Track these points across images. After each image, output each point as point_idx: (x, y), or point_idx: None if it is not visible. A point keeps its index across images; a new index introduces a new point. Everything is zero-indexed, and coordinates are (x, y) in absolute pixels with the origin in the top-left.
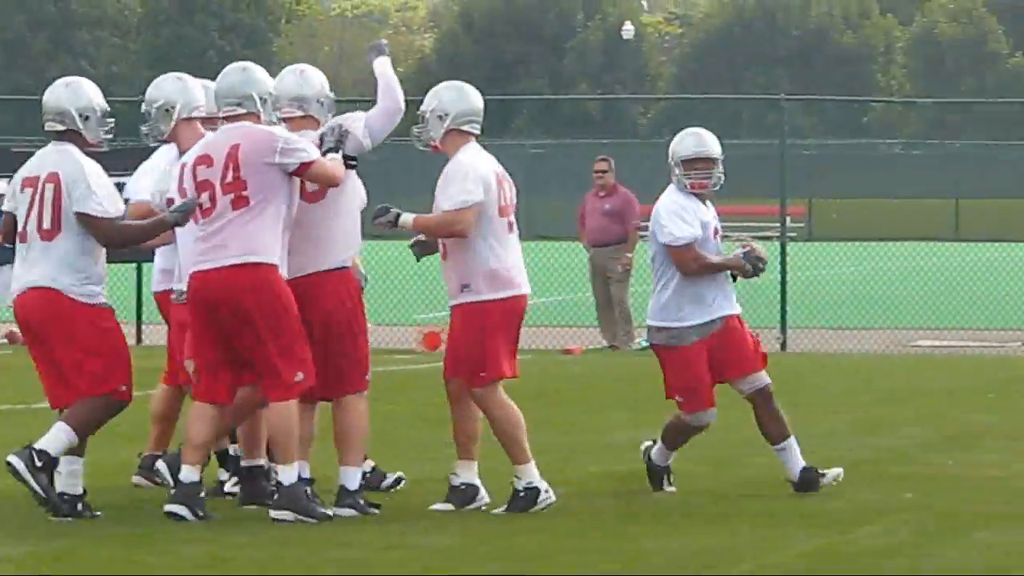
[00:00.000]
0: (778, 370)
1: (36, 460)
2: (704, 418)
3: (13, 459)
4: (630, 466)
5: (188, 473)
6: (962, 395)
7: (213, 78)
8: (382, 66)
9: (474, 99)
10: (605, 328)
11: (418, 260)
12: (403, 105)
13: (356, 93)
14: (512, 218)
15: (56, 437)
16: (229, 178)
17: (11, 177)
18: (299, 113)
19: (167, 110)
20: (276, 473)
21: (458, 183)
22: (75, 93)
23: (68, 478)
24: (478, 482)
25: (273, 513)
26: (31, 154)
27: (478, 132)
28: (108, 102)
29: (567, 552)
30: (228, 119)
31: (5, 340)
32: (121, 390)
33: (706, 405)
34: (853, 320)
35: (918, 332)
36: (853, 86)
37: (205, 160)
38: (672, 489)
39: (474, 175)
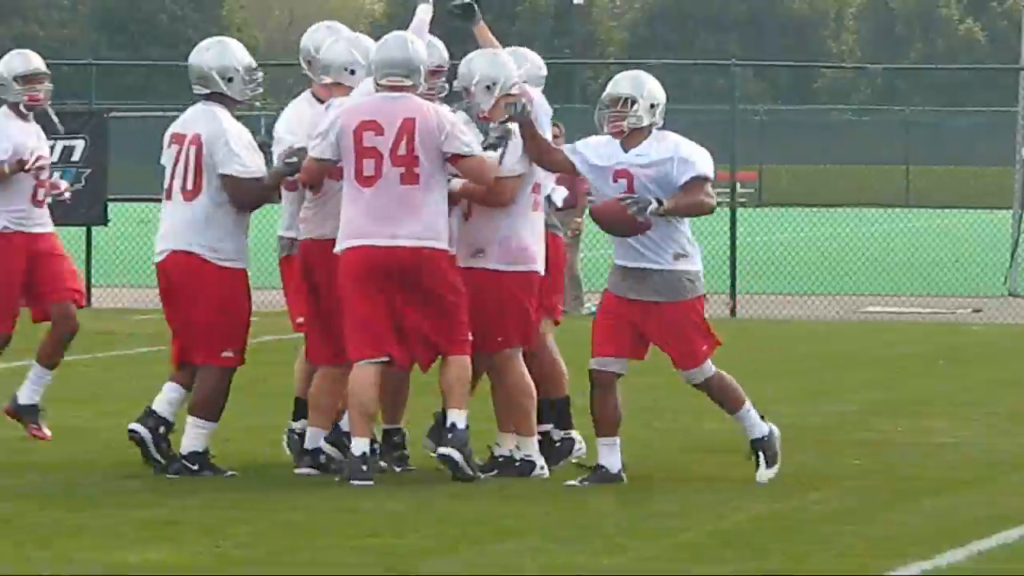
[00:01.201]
0: (728, 336)
1: (160, 429)
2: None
3: (138, 427)
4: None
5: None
6: (911, 362)
7: (163, 43)
8: (425, 12)
9: (511, 63)
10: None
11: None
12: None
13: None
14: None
15: (169, 399)
16: (402, 150)
17: None
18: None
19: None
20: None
21: (512, 153)
22: (217, 55)
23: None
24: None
25: (441, 451)
26: None
27: None
28: (55, 65)
29: (516, 517)
30: (390, 88)
31: None
32: (227, 356)
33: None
34: (803, 286)
35: (868, 298)
36: (804, 52)
37: (372, 126)
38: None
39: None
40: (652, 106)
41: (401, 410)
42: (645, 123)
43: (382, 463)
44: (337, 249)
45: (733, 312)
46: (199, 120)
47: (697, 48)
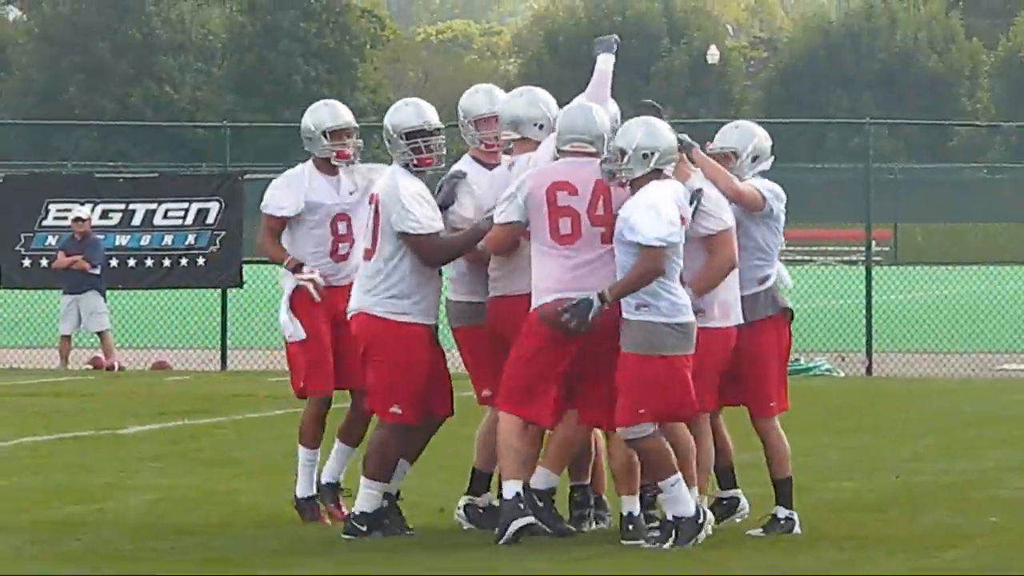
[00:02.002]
0: (863, 394)
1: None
2: None
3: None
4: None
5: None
6: None
7: (298, 104)
8: (606, 63)
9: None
10: None
11: None
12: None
13: (442, 117)
14: None
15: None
16: (600, 211)
17: (95, 202)
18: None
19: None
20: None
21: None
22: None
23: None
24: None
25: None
26: (116, 180)
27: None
28: (192, 127)
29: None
30: (574, 153)
31: (90, 366)
32: (395, 412)
33: None
34: (938, 344)
35: (1004, 356)
36: (938, 110)
37: (566, 187)
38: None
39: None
40: (644, 156)
41: (586, 466)
42: (637, 174)
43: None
44: (535, 304)
45: (869, 370)
46: (380, 181)
47: (832, 106)
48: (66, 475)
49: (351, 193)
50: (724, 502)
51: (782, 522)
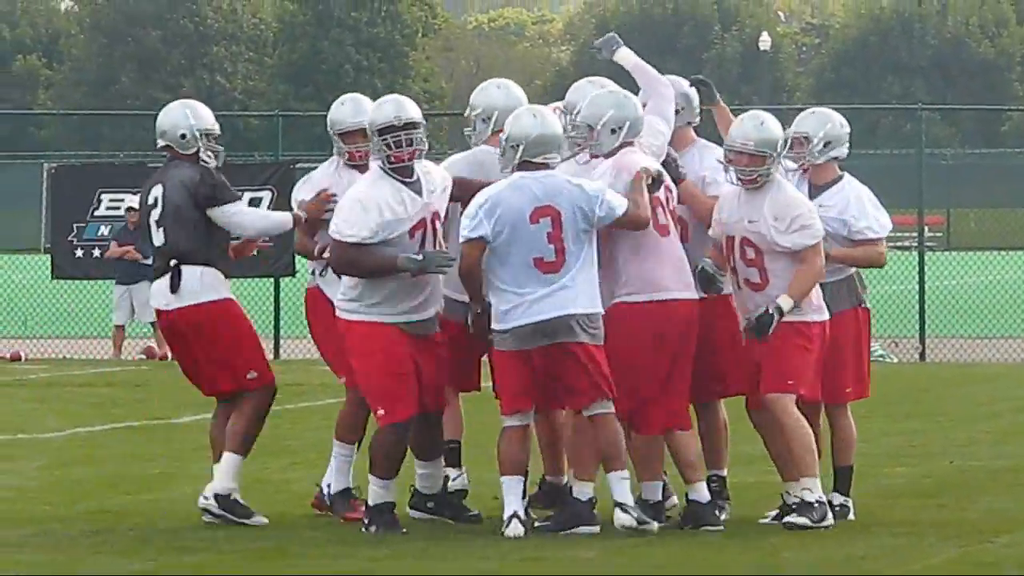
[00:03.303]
0: (917, 380)
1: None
2: None
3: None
4: (762, 477)
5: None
6: None
7: (347, 92)
8: (627, 58)
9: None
10: None
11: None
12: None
13: None
14: None
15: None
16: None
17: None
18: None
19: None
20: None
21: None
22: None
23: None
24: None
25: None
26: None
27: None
28: (243, 117)
29: (704, 564)
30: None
31: (143, 356)
32: (380, 414)
33: None
34: (992, 329)
35: None
36: (990, 95)
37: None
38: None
39: None
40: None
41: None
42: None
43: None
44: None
45: (923, 356)
46: None
47: (883, 93)
48: (120, 465)
49: None
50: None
51: (837, 508)
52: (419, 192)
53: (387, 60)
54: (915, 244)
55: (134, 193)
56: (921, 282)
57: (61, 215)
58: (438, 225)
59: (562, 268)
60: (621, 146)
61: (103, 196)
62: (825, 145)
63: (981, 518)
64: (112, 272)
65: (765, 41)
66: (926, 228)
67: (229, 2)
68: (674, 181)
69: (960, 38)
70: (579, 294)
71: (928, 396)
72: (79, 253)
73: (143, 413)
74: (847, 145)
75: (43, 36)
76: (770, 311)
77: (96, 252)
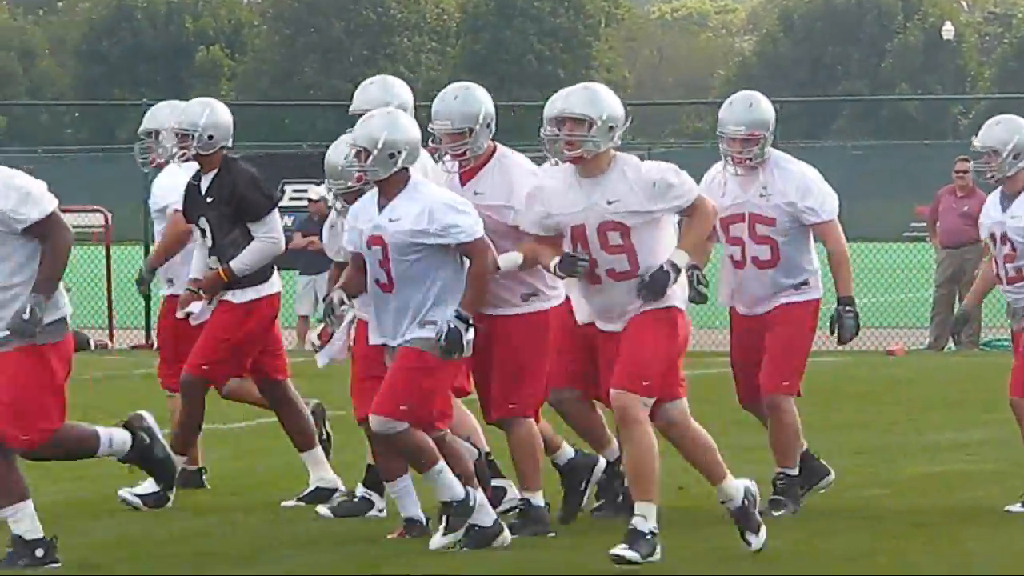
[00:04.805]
0: None
1: None
2: None
3: None
4: (951, 467)
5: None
6: None
7: (531, 84)
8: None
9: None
10: (938, 328)
11: None
12: None
13: (678, 95)
14: None
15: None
16: None
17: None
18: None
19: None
20: None
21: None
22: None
23: None
24: None
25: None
26: None
27: None
28: (426, 107)
29: (888, 553)
30: None
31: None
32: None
33: None
34: None
35: None
36: None
37: None
38: None
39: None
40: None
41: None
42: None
43: None
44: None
45: None
46: None
47: None
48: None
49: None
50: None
51: None
52: None
53: (569, 50)
54: None
55: (317, 183)
56: None
57: None
58: None
59: None
60: None
61: (287, 186)
62: (1015, 156)
63: None
64: (296, 263)
65: (948, 30)
66: None
67: None
68: None
69: None
70: None
71: None
72: None
73: (327, 403)
74: None
75: (226, 27)
76: (664, 268)
77: None
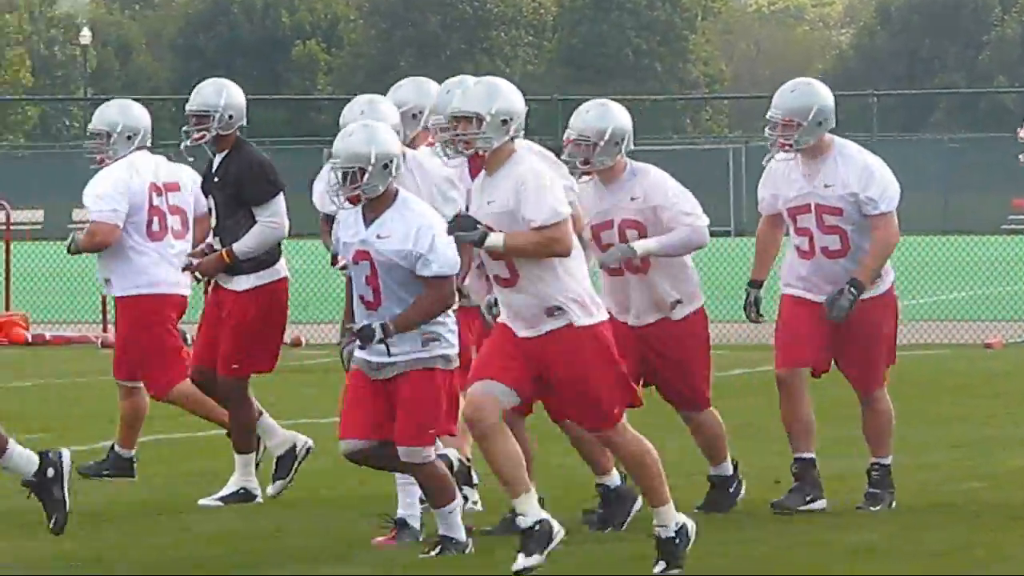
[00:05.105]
0: None
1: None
2: None
3: None
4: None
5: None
6: None
7: (628, 77)
8: (647, 246)
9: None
10: None
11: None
12: None
13: (770, 88)
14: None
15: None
16: None
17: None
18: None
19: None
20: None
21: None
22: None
23: None
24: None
25: None
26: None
27: None
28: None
29: (986, 546)
30: None
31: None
32: None
33: None
34: None
35: None
36: None
37: None
38: None
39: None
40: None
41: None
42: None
43: None
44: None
45: None
46: None
47: None
48: None
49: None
50: None
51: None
52: None
53: (666, 43)
54: None
55: None
56: None
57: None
58: None
59: None
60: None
61: None
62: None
63: None
64: None
65: None
66: None
67: None
68: None
69: None
70: None
71: None
72: None
73: (317, 409)
74: None
75: (322, 21)
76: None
77: None
